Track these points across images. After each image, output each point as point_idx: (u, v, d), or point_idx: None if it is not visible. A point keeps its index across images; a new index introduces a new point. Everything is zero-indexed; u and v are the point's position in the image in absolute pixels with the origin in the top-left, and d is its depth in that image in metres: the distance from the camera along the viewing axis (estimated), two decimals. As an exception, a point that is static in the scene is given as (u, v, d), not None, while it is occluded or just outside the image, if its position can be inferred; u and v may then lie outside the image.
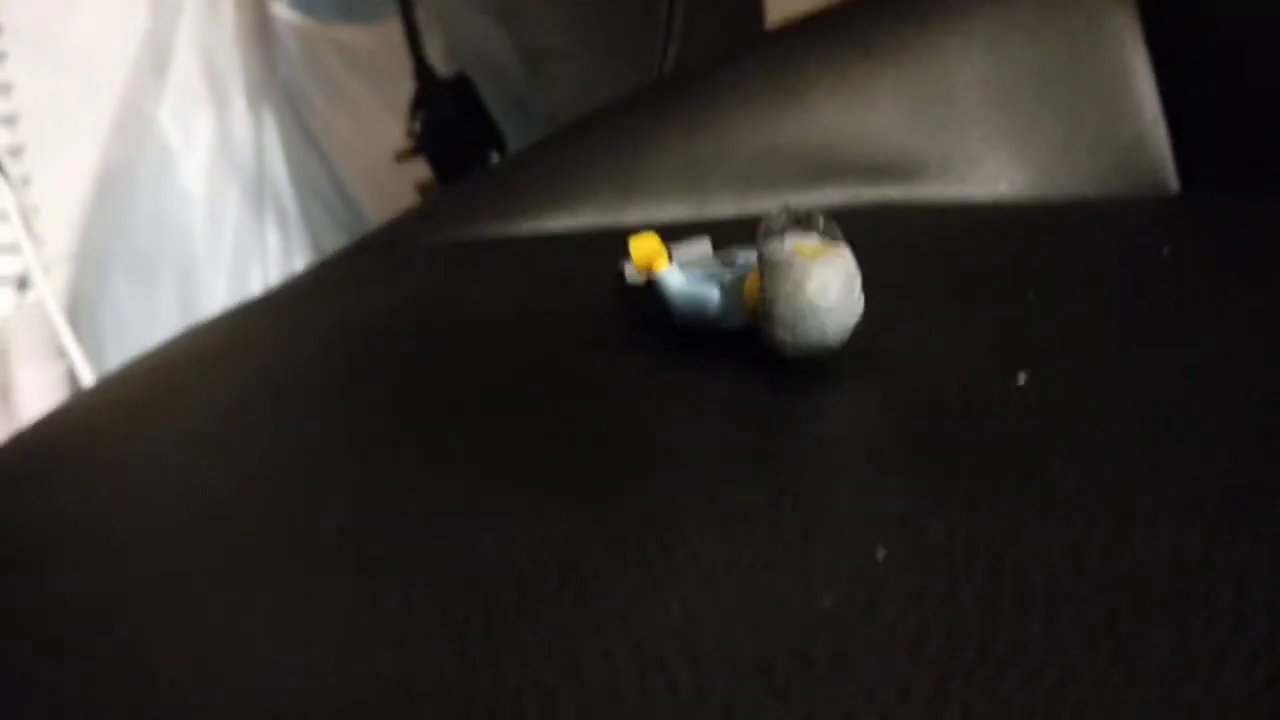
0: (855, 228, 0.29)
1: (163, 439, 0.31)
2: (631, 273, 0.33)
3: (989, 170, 0.44)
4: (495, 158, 1.04)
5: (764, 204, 0.29)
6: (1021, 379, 0.27)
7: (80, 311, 1.00)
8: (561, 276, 0.39)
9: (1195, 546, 0.21)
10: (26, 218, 0.97)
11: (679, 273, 0.31)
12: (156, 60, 1.04)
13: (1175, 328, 0.29)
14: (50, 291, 0.95)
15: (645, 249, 0.31)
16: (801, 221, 0.28)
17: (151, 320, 1.01)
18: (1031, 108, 0.45)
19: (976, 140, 0.45)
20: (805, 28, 0.51)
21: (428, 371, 0.33)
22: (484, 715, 0.19)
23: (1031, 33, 0.46)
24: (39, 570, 0.26)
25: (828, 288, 0.27)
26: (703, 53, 0.71)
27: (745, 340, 0.29)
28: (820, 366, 0.28)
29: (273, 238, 1.09)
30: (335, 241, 1.08)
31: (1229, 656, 0.18)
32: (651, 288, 0.32)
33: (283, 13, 1.07)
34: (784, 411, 0.28)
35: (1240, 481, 0.22)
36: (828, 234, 0.28)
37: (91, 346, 0.98)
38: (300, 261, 1.08)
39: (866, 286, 0.28)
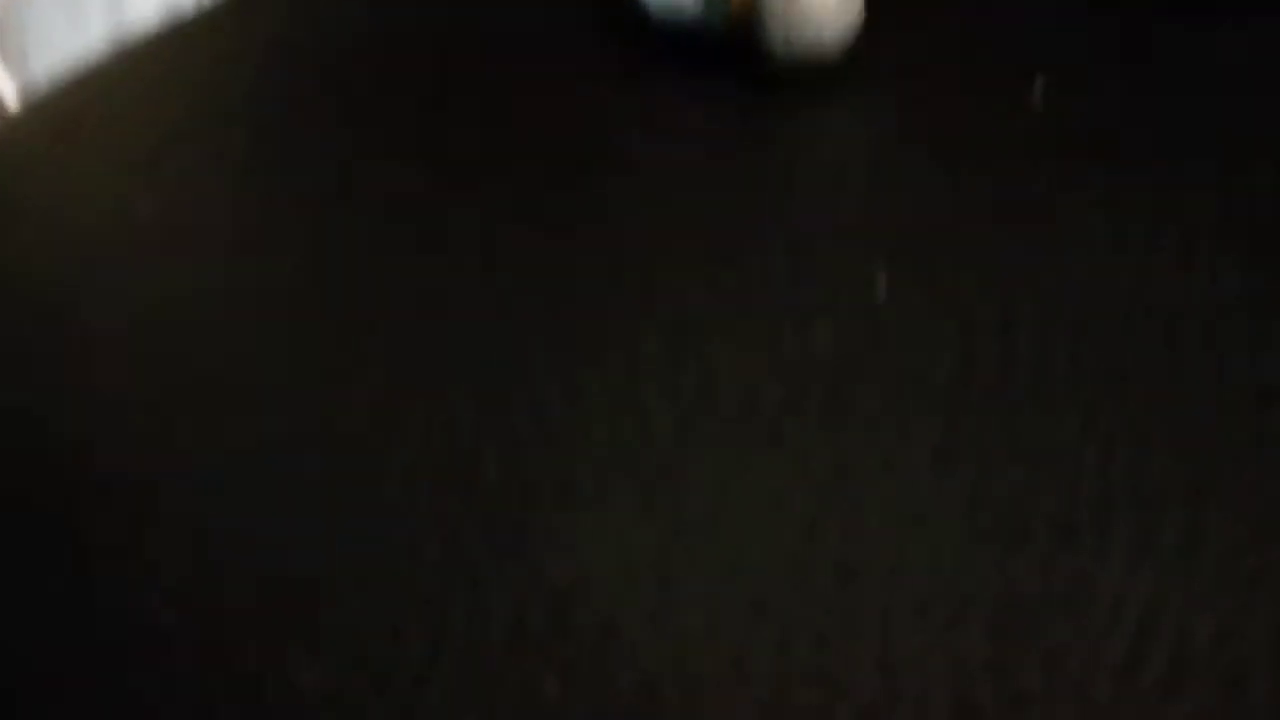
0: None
1: (98, 164, 0.29)
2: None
3: None
4: None
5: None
6: (1038, 89, 0.24)
7: (5, 29, 0.94)
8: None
9: (1231, 277, 0.19)
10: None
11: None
12: None
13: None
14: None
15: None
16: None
17: (77, 29, 0.95)
18: None
19: None
20: None
21: (383, 87, 0.30)
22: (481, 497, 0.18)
23: None
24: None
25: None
26: None
27: (729, 48, 0.26)
28: (815, 78, 0.26)
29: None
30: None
31: (1271, 391, 0.17)
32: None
33: None
34: (775, 131, 0.25)
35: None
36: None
37: (16, 59, 0.92)
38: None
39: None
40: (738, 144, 0.25)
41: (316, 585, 0.17)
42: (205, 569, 0.18)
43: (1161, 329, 0.18)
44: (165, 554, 0.18)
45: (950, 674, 0.14)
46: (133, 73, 0.37)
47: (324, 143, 0.28)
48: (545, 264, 0.22)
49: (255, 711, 0.16)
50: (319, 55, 0.33)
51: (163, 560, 0.18)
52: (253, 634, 0.17)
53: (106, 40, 0.42)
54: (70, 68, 0.39)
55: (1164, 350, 0.18)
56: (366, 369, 0.20)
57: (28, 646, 0.17)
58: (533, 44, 0.30)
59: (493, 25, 0.32)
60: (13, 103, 0.84)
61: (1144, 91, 0.25)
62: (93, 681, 0.17)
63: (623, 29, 0.29)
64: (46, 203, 0.28)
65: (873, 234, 0.21)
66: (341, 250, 0.23)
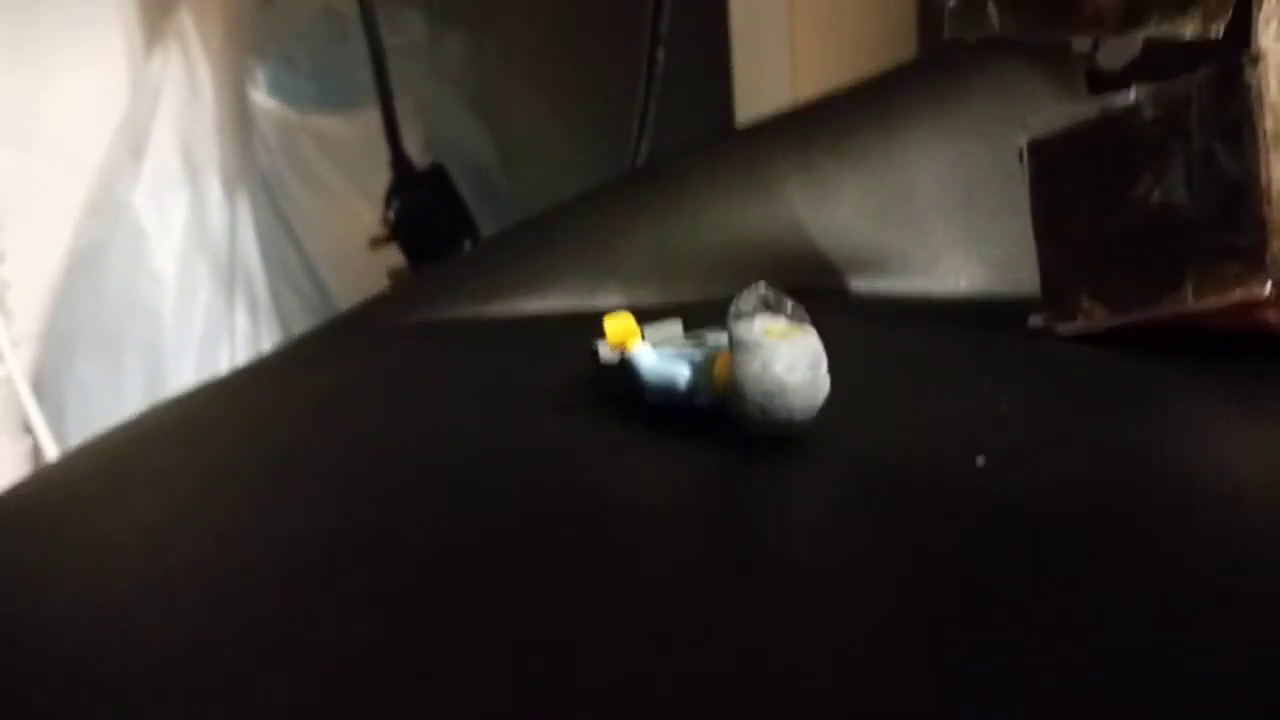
0: (821, 313, 0.30)
1: (130, 519, 0.31)
2: (605, 351, 0.34)
3: (949, 267, 0.46)
4: (468, 246, 1.05)
5: (732, 293, 0.30)
6: (980, 461, 0.28)
7: (46, 388, 1.00)
8: (535, 354, 0.40)
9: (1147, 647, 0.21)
10: (-1, 292, 0.97)
11: (651, 350, 0.32)
12: (134, 143, 1.05)
13: (1124, 418, 0.30)
14: (18, 367, 0.95)
15: (619, 327, 0.32)
16: (770, 304, 0.29)
17: (117, 399, 1.00)
18: (991, 206, 0.47)
19: (937, 237, 0.46)
20: (775, 125, 0.53)
21: (398, 448, 0.33)
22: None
23: (989, 134, 0.48)
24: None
25: (795, 367, 0.28)
26: (675, 146, 0.73)
27: (715, 418, 0.30)
28: (787, 444, 0.29)
29: (242, 320, 1.09)
30: (305, 325, 1.08)
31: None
32: (624, 365, 0.32)
33: (262, 100, 1.09)
34: (751, 484, 0.28)
35: (1188, 565, 0.23)
36: (795, 316, 0.29)
37: (55, 423, 0.97)
38: (269, 344, 1.08)
39: (832, 369, 0.29)
40: (719, 493, 0.28)
41: None
42: None
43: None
44: None
45: None
46: (168, 428, 0.39)
47: (344, 500, 0.30)
48: (537, 582, 0.24)
49: None
50: (346, 414, 0.36)
51: None
52: None
53: (145, 407, 0.45)
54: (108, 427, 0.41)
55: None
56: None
57: None
58: (541, 412, 0.34)
59: (505, 396, 0.36)
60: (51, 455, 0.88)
61: (1078, 470, 0.28)
62: None
63: (622, 402, 0.33)
64: (83, 552, 0.30)
65: (837, 569, 0.24)
66: (367, 596, 0.25)
